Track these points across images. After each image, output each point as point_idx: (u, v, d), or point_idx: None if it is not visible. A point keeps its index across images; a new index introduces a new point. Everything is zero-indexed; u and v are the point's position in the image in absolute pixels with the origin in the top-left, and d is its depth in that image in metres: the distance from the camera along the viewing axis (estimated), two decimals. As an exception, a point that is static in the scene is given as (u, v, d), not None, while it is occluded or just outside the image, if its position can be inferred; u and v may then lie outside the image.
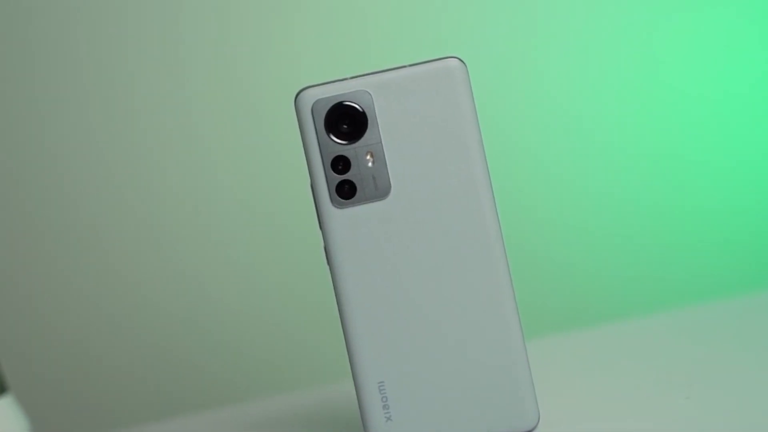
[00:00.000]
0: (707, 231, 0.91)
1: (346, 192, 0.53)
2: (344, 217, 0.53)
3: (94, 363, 0.94)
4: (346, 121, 0.53)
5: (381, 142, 0.53)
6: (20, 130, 0.93)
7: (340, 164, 0.53)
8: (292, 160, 0.81)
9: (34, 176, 0.93)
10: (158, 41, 0.92)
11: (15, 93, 0.92)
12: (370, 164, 0.53)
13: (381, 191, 0.53)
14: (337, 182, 0.53)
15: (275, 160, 0.92)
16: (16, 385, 0.75)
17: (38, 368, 0.94)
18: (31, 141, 0.93)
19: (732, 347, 0.65)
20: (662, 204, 0.91)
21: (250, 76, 0.92)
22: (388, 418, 0.53)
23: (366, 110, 0.52)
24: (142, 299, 0.94)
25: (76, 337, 0.94)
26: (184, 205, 0.93)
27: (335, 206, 0.53)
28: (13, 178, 0.93)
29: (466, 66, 0.53)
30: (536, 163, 0.91)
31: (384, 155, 0.53)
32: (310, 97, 0.52)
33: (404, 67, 0.53)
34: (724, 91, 0.90)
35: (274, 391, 0.90)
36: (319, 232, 0.53)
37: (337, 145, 0.53)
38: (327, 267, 0.53)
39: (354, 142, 0.53)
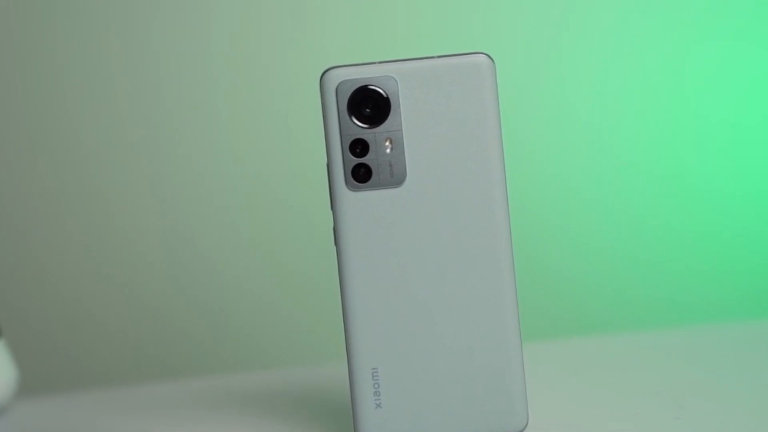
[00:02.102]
0: (714, 255, 0.91)
1: (361, 175, 0.53)
2: (357, 200, 0.53)
3: (87, 320, 0.94)
4: (369, 104, 0.52)
5: (401, 129, 0.52)
6: (25, 89, 0.93)
7: (359, 147, 0.53)
8: (307, 139, 0.81)
9: (37, 127, 0.93)
10: (182, 20, 0.91)
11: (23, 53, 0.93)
12: (388, 150, 0.53)
13: (396, 179, 0.53)
14: (353, 165, 0.53)
15: (289, 137, 0.92)
16: (6, 335, 0.76)
17: (30, 320, 0.94)
18: (36, 98, 0.93)
19: (727, 372, 0.65)
20: (670, 223, 0.91)
21: (274, 54, 0.92)
22: (378, 405, 0.53)
23: (390, 96, 0.52)
24: (142, 262, 0.94)
25: (71, 293, 0.94)
26: (191, 170, 0.93)
27: (349, 188, 0.53)
28: (12, 127, 0.93)
29: (494, 63, 0.52)
30: (549, 169, 0.91)
31: (403, 143, 0.53)
32: (335, 78, 0.52)
33: (432, 57, 0.53)
34: (748, 118, 0.90)
35: (266, 366, 0.90)
36: (330, 213, 0.53)
37: (358, 128, 0.53)
38: (334, 248, 0.53)
39: (375, 127, 0.52)
